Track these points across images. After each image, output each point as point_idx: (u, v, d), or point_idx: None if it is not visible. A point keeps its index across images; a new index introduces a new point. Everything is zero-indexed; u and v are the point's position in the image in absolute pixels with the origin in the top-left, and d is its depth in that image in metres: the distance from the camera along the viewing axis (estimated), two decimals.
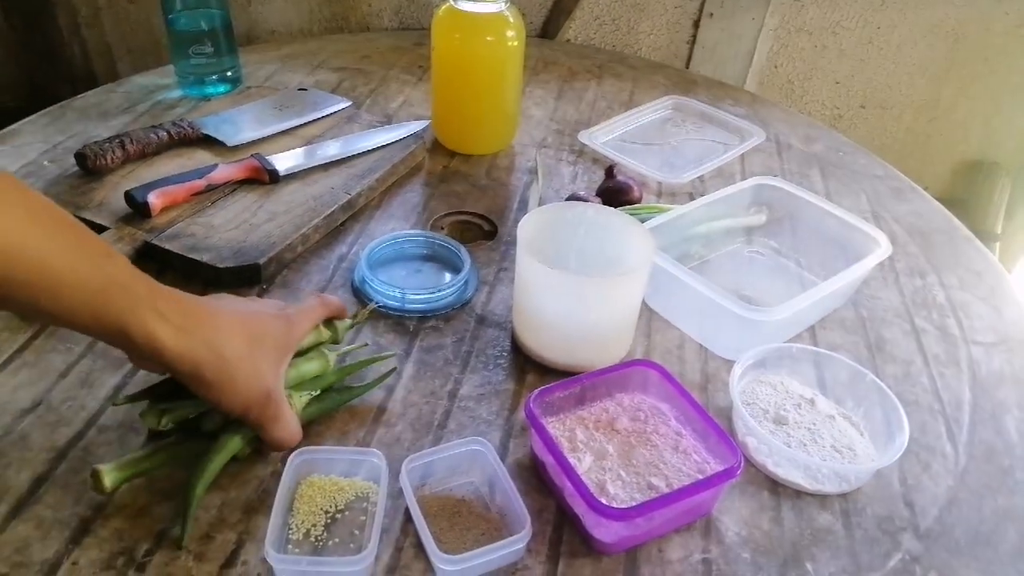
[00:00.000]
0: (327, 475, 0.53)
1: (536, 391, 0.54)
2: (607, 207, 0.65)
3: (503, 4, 0.85)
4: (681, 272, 0.64)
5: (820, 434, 0.58)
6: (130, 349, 0.45)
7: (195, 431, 0.53)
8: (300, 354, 0.57)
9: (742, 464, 0.50)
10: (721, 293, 0.62)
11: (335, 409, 0.59)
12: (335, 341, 0.61)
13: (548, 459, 0.52)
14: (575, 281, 0.57)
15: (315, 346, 0.59)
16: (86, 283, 0.42)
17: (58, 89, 1.38)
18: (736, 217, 0.80)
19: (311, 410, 0.57)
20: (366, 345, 0.65)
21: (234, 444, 0.52)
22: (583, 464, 0.52)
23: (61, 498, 0.51)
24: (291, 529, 0.50)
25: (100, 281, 0.43)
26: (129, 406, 0.56)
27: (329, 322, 0.61)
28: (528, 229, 0.61)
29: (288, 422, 0.52)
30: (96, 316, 0.43)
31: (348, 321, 0.63)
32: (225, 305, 0.52)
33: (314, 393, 0.57)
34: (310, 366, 0.57)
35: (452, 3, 0.85)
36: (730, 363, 0.66)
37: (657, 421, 0.56)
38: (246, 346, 0.49)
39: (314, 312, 0.58)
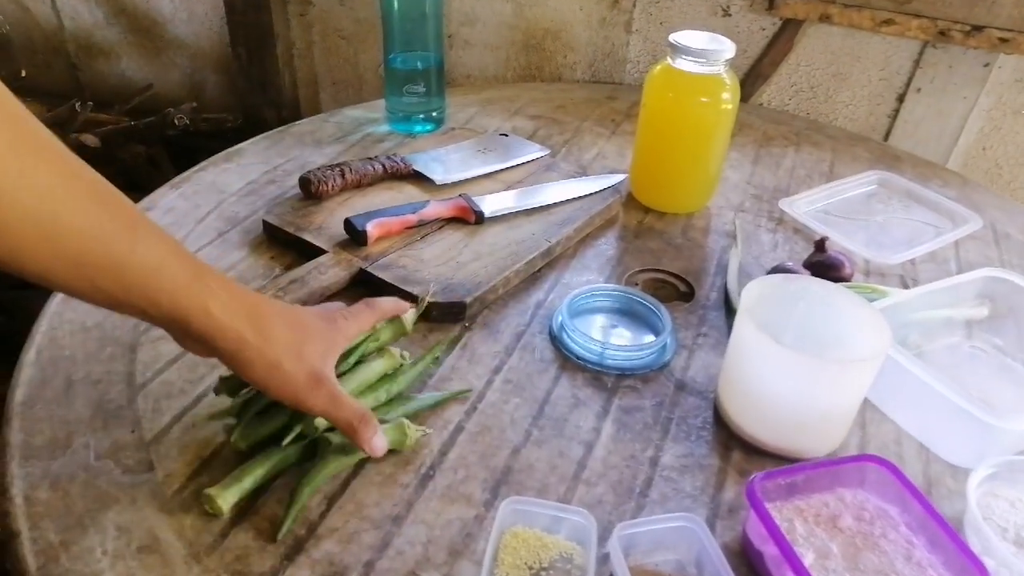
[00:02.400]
0: (531, 527, 0.52)
1: (761, 473, 0.51)
2: (833, 283, 0.62)
3: (721, 67, 0.84)
4: (913, 364, 0.60)
5: None
6: (178, 326, 0.46)
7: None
8: (361, 361, 0.60)
9: None
10: (959, 391, 0.57)
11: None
12: (403, 333, 0.63)
13: (769, 549, 0.49)
14: (807, 362, 0.54)
15: (378, 347, 0.61)
16: (123, 263, 0.42)
17: (265, 114, 1.50)
18: (957, 308, 0.75)
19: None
20: (437, 357, 0.67)
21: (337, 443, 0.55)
22: (805, 560, 0.49)
23: (276, 510, 0.53)
24: None
25: (144, 258, 0.43)
26: None
27: (393, 319, 0.63)
28: (751, 297, 0.59)
29: (348, 402, 0.52)
30: (140, 295, 0.43)
31: (412, 313, 0.64)
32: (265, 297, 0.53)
33: (380, 400, 0.59)
34: (375, 365, 0.60)
35: (669, 61, 0.85)
36: (953, 468, 0.61)
37: (885, 525, 0.52)
38: (290, 332, 0.49)
39: (360, 316, 0.57)
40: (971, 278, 0.73)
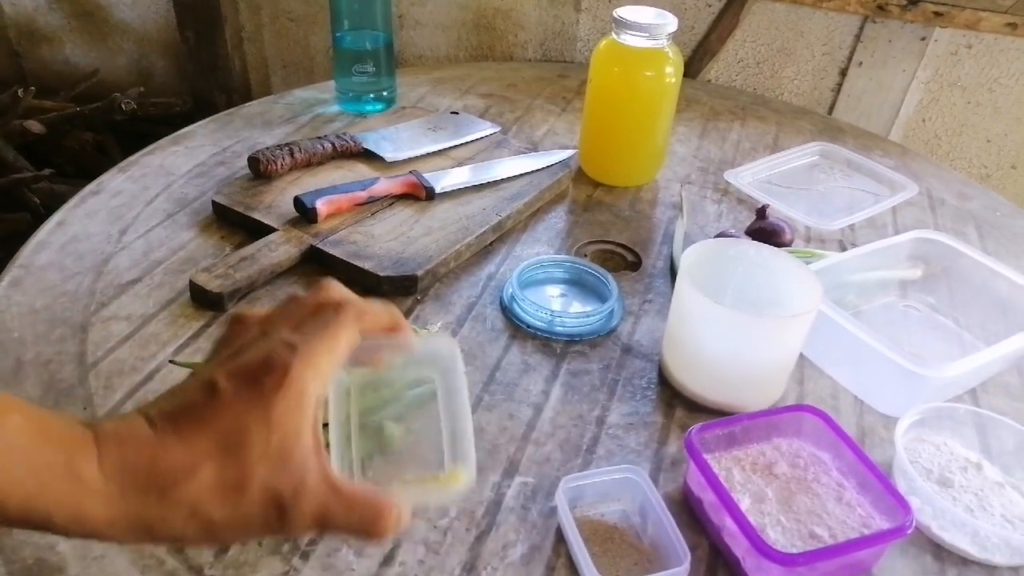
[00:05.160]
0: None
1: (698, 425, 0.54)
2: (770, 247, 0.65)
3: (664, 41, 0.86)
4: (845, 319, 0.62)
5: (989, 501, 0.55)
6: (52, 531, 0.31)
7: None
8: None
9: (914, 521, 0.48)
10: (889, 345, 0.60)
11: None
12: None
13: (708, 496, 0.51)
14: (744, 319, 0.57)
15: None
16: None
17: (215, 98, 1.48)
18: (892, 269, 0.78)
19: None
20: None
21: None
22: (741, 505, 0.51)
23: None
24: None
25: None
26: None
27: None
28: (690, 261, 0.61)
29: (343, 508, 0.33)
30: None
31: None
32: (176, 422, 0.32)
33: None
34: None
35: (614, 37, 0.87)
36: (886, 419, 0.64)
37: (818, 470, 0.55)
38: (211, 465, 0.31)
39: (338, 332, 0.35)
40: (903, 239, 0.76)
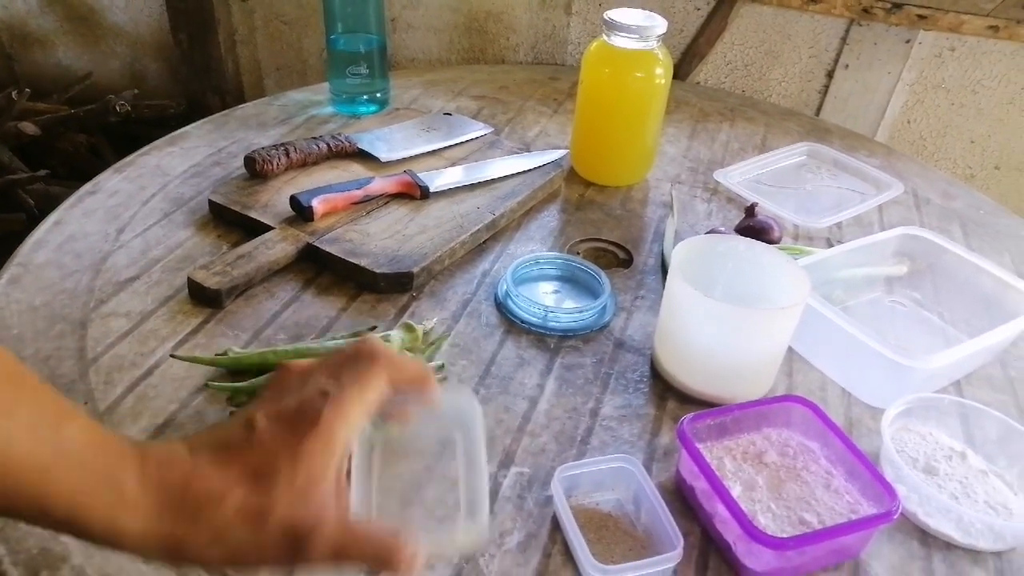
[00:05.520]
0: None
1: (690, 415, 0.55)
2: (760, 243, 0.66)
3: (654, 42, 0.87)
4: (833, 313, 0.64)
5: (973, 488, 0.57)
6: (87, 538, 0.34)
7: None
8: None
9: (900, 507, 0.50)
10: (875, 337, 0.61)
11: None
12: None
13: (700, 483, 0.52)
14: (734, 312, 0.58)
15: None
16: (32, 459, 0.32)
17: (209, 101, 1.49)
18: (878, 265, 0.79)
19: None
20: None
21: None
22: (732, 492, 0.52)
23: None
24: None
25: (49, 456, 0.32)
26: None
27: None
28: (681, 256, 0.62)
29: (358, 544, 0.35)
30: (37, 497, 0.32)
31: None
32: (211, 454, 0.35)
33: None
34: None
35: (605, 38, 0.88)
36: (873, 410, 0.65)
37: (807, 458, 0.56)
38: (240, 493, 0.34)
39: (369, 383, 0.37)
40: (889, 236, 0.77)
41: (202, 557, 0.34)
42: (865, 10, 1.20)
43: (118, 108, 1.33)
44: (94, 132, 1.48)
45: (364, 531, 0.36)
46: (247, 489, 0.34)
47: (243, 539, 0.34)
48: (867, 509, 0.52)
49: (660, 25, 0.86)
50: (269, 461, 0.34)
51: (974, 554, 0.54)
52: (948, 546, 0.54)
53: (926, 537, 0.55)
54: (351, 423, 0.36)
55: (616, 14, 0.87)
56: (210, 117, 1.05)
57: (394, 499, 0.42)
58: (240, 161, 0.88)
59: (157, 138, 0.99)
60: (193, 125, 1.03)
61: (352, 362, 0.38)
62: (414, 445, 0.44)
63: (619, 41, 0.87)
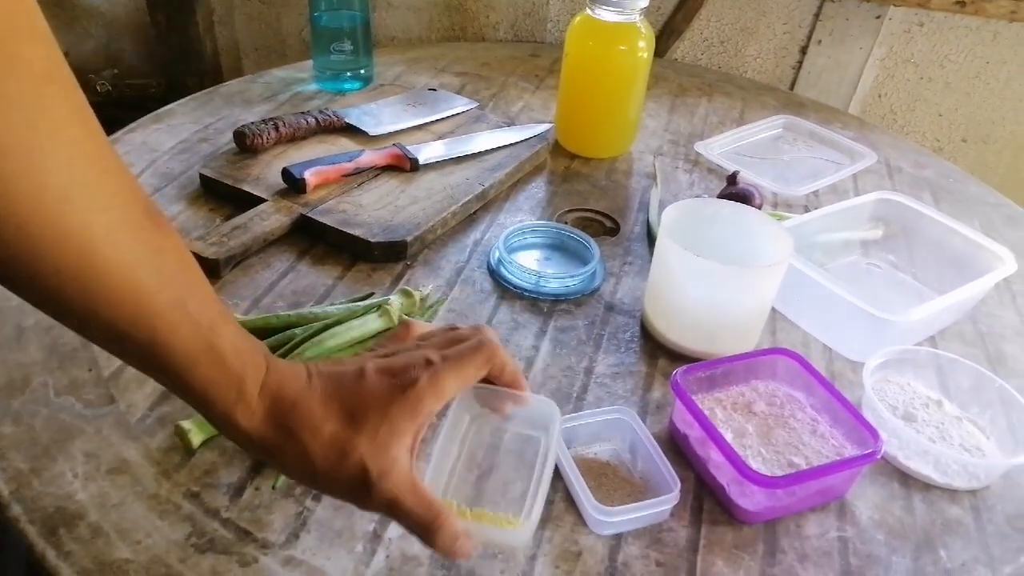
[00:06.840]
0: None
1: (682, 368, 0.57)
2: (744, 206, 0.68)
3: (637, 15, 0.89)
4: (815, 272, 0.66)
5: (948, 433, 0.60)
6: (208, 419, 0.39)
7: None
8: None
9: (883, 447, 0.52)
10: (854, 294, 0.64)
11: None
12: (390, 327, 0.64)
13: (693, 432, 0.55)
14: (722, 271, 0.60)
15: (378, 306, 0.64)
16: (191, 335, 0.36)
17: (188, 82, 1.48)
18: (854, 230, 0.82)
19: None
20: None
21: None
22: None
23: None
24: None
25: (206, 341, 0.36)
26: None
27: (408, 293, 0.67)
28: (670, 218, 0.64)
29: (413, 505, 0.39)
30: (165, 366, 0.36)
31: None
32: (333, 379, 0.40)
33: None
34: (369, 322, 0.63)
35: (588, 12, 0.90)
36: (854, 364, 0.68)
37: (793, 407, 0.59)
38: (334, 422, 0.39)
39: (469, 366, 0.41)
40: (865, 200, 0.80)
41: (287, 468, 0.40)
42: None
43: (98, 88, 1.32)
44: None
45: (422, 495, 0.39)
46: (340, 426, 0.38)
47: (322, 466, 0.38)
48: (852, 451, 0.55)
49: None
50: (363, 409, 0.39)
51: (951, 493, 0.57)
52: (927, 486, 0.57)
53: (906, 479, 0.58)
54: (441, 396, 0.40)
55: None
56: (194, 95, 1.05)
57: (468, 483, 0.46)
58: (228, 137, 0.89)
59: (135, 120, 0.99)
60: (177, 103, 1.03)
61: (462, 342, 0.42)
62: (500, 437, 0.48)
63: (603, 14, 0.89)
